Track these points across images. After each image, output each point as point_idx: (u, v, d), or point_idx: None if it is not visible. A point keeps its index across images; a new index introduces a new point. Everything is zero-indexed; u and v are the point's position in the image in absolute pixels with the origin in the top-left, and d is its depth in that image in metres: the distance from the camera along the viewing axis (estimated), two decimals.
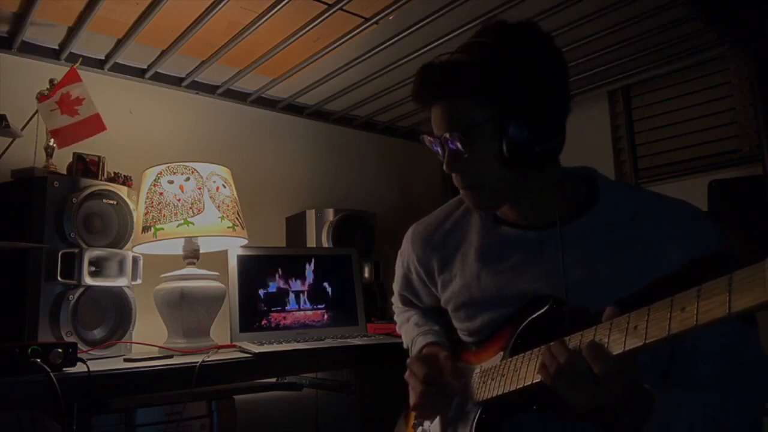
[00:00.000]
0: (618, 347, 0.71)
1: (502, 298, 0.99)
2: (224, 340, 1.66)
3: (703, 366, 0.85)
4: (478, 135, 0.91)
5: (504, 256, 1.01)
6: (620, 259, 0.91)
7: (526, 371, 0.86)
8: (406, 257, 1.22)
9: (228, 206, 1.67)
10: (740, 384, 0.84)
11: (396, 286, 1.32)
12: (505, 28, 0.94)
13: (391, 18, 1.72)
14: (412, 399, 1.03)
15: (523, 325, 0.93)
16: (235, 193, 1.74)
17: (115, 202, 1.56)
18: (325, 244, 2.13)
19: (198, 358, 1.34)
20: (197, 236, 1.64)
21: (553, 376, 0.76)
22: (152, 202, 1.60)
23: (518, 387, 0.86)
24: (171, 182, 1.62)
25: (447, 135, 0.92)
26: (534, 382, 0.83)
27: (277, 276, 1.77)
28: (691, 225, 0.91)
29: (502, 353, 0.95)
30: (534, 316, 0.92)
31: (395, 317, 1.35)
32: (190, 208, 1.60)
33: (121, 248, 1.56)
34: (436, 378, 1.01)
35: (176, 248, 1.69)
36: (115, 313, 1.55)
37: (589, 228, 0.94)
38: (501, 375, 0.92)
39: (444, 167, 0.96)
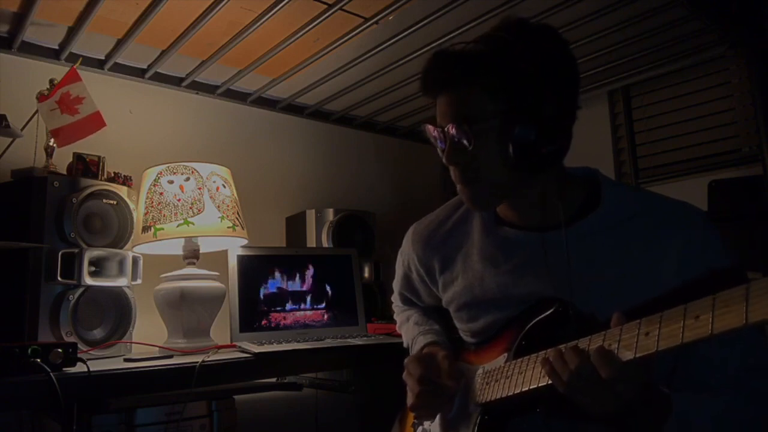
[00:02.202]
0: (628, 354, 0.70)
1: (505, 299, 0.98)
2: (224, 340, 1.66)
3: (717, 367, 0.84)
4: (485, 129, 0.89)
5: (507, 257, 1.00)
6: (622, 259, 0.91)
7: (531, 374, 0.85)
8: (406, 257, 1.21)
9: (228, 206, 1.67)
10: (757, 383, 0.83)
11: (396, 286, 1.31)
12: (524, 26, 0.92)
13: (391, 18, 1.72)
14: (409, 400, 1.02)
15: (528, 326, 0.92)
16: (235, 193, 1.74)
17: (115, 202, 1.56)
18: (325, 244, 2.13)
19: (198, 358, 1.34)
20: (197, 236, 1.64)
21: (567, 382, 0.76)
22: (152, 202, 1.60)
23: (523, 390, 0.85)
24: (171, 182, 1.62)
25: (452, 125, 0.90)
26: (540, 385, 0.82)
27: (277, 276, 1.77)
28: (691, 228, 0.90)
29: (505, 354, 0.95)
30: (539, 318, 0.91)
31: (395, 316, 1.35)
32: (190, 208, 1.60)
33: (121, 248, 1.56)
34: (433, 379, 1.00)
35: (176, 248, 1.69)
36: (115, 313, 1.55)
37: (591, 229, 0.94)
38: (505, 377, 0.91)
39: (444, 159, 0.93)
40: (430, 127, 0.95)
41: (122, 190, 1.58)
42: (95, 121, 1.56)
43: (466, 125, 0.89)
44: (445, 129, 0.92)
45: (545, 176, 0.94)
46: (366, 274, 2.17)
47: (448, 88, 0.92)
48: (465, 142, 0.90)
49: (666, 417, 0.78)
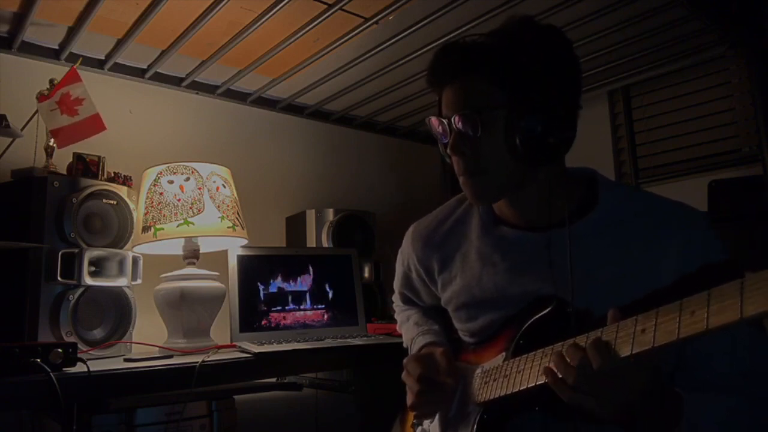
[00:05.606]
0: (625, 350, 0.70)
1: (503, 298, 0.98)
2: (224, 340, 1.66)
3: (717, 368, 0.84)
4: (491, 118, 0.89)
5: (505, 256, 1.00)
6: (622, 259, 0.91)
7: (530, 373, 0.85)
8: (406, 256, 1.22)
9: (228, 206, 1.67)
10: (758, 386, 0.83)
11: (396, 285, 1.32)
12: (530, 23, 0.93)
13: (391, 18, 1.72)
14: (409, 399, 1.03)
15: (526, 325, 0.92)
16: (235, 193, 1.74)
17: (115, 202, 1.56)
18: (325, 244, 2.13)
19: (198, 358, 1.34)
20: (197, 236, 1.64)
21: (572, 384, 0.75)
22: (152, 202, 1.60)
23: (521, 388, 0.86)
24: (171, 182, 1.62)
25: (459, 114, 0.90)
26: (538, 383, 0.82)
27: (277, 276, 1.77)
28: (691, 228, 0.90)
29: (504, 354, 0.95)
30: (537, 317, 0.91)
31: (395, 316, 1.35)
32: (190, 208, 1.60)
33: (121, 248, 1.56)
34: (432, 378, 1.00)
35: (176, 248, 1.69)
36: (115, 313, 1.55)
37: (589, 229, 0.94)
38: (504, 376, 0.91)
39: (448, 149, 0.93)
40: (434, 120, 0.95)
41: (122, 190, 1.58)
42: (95, 124, 1.56)
43: (473, 113, 0.89)
44: (452, 119, 0.92)
45: (548, 172, 0.94)
46: (366, 274, 2.17)
47: (456, 79, 0.92)
48: (470, 130, 0.90)
49: (678, 419, 0.77)
